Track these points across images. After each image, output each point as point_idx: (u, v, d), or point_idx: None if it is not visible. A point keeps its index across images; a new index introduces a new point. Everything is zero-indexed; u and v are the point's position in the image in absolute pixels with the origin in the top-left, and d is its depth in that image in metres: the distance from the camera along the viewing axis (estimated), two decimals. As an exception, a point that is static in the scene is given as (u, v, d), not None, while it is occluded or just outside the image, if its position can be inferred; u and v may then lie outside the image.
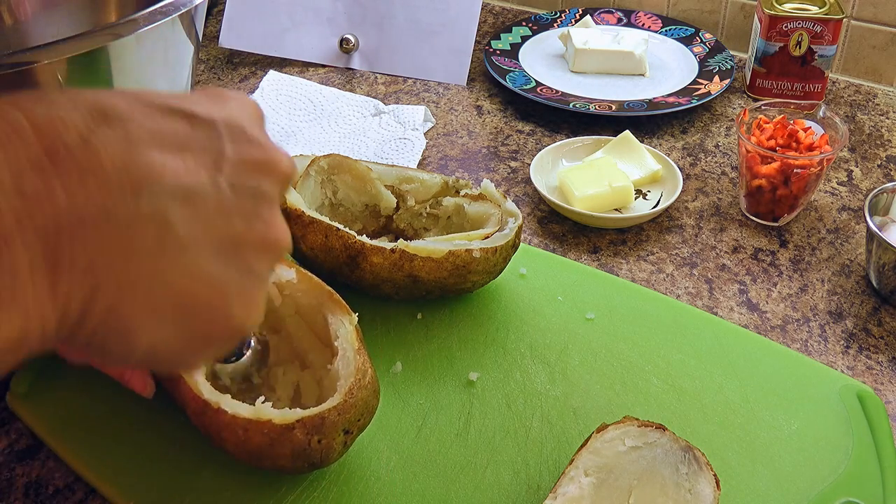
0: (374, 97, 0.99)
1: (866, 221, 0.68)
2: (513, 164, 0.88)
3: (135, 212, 0.28)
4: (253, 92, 0.97)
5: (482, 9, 1.20)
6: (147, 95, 0.31)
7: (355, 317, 0.53)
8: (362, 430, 0.50)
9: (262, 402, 0.47)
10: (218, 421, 0.47)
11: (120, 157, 0.28)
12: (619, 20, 1.12)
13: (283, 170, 0.34)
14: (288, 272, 0.55)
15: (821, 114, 0.78)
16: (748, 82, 1.00)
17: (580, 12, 1.13)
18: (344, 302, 0.53)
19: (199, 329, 0.31)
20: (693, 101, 0.94)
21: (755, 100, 0.98)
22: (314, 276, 0.55)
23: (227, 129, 0.32)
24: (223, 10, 1.06)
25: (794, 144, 0.76)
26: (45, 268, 0.27)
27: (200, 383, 0.48)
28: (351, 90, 1.01)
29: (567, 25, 1.11)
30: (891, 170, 0.87)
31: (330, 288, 0.54)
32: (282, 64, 1.05)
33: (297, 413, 0.46)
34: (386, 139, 0.90)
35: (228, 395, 0.48)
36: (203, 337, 0.32)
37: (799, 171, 0.74)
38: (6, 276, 0.26)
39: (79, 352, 0.31)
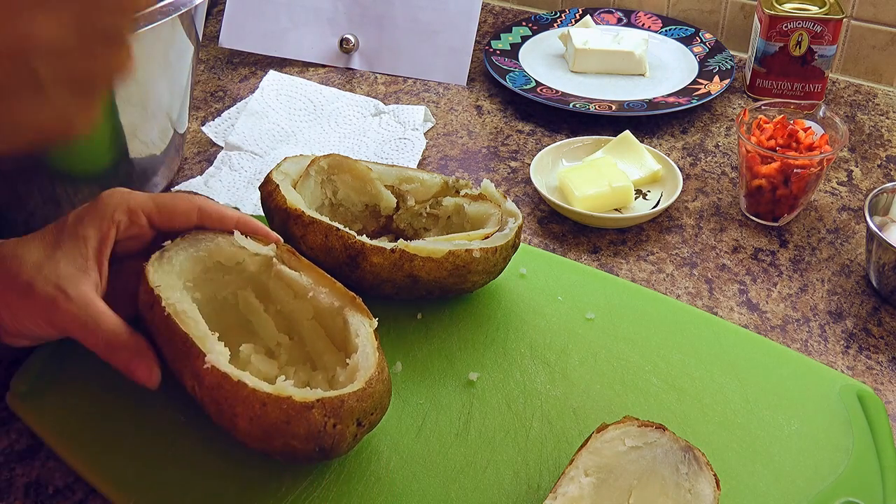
0: (374, 97, 0.99)
1: (866, 221, 0.68)
2: (513, 164, 0.88)
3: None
4: (253, 92, 0.97)
5: (482, 9, 1.20)
6: None
7: (375, 321, 0.54)
8: (372, 427, 0.51)
9: (284, 381, 0.47)
10: (235, 394, 0.47)
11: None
12: (619, 20, 1.12)
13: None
14: (299, 277, 0.56)
15: (821, 114, 0.78)
16: (748, 82, 1.00)
17: (580, 12, 1.13)
18: (366, 307, 0.54)
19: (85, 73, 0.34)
20: (693, 101, 0.94)
21: (755, 100, 0.98)
22: (337, 280, 0.56)
23: None
24: (223, 10, 1.06)
25: (794, 144, 0.76)
26: None
27: (218, 356, 0.48)
28: (351, 90, 1.01)
29: (567, 25, 1.11)
30: (891, 170, 0.87)
31: (353, 293, 0.55)
32: (282, 64, 1.05)
33: (318, 393, 0.47)
34: (386, 139, 0.90)
35: (248, 371, 0.48)
36: (89, 76, 0.34)
37: (799, 171, 0.74)
38: None
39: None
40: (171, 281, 0.54)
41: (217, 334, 0.51)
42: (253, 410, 0.46)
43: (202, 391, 0.49)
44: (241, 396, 0.47)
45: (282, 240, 0.58)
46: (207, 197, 0.71)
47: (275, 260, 0.57)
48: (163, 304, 0.52)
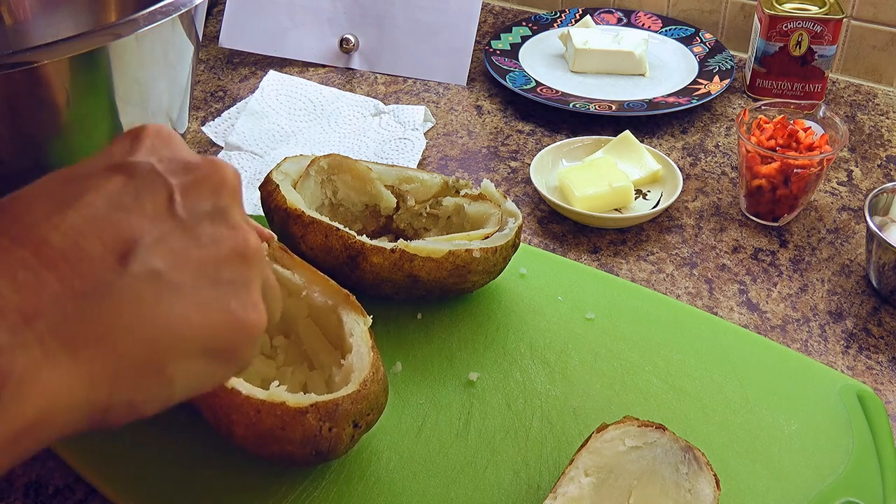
0: (374, 97, 0.99)
1: (866, 221, 0.68)
2: (513, 164, 0.88)
3: (127, 276, 0.31)
4: (253, 92, 0.97)
5: (482, 9, 1.20)
6: (73, 170, 0.33)
7: (370, 319, 0.54)
8: (369, 428, 0.51)
9: (277, 387, 0.47)
10: (230, 402, 0.47)
11: (93, 234, 0.31)
12: (619, 20, 1.12)
13: (228, 181, 0.36)
14: (294, 276, 0.56)
15: (821, 114, 0.78)
16: (748, 82, 1.00)
17: (580, 12, 1.13)
18: (360, 305, 0.54)
19: (223, 347, 0.34)
20: (693, 101, 0.94)
21: (755, 100, 0.98)
22: (330, 278, 0.56)
23: (162, 166, 0.34)
24: (223, 10, 1.06)
25: (794, 144, 0.76)
26: (59, 348, 0.29)
27: None
28: (351, 90, 1.01)
29: (567, 25, 1.11)
30: (891, 170, 0.87)
31: (346, 291, 0.55)
32: (282, 64, 1.05)
33: (312, 398, 0.47)
34: (386, 139, 0.90)
35: (242, 378, 0.48)
36: (229, 351, 0.34)
37: (799, 171, 0.74)
38: (21, 357, 0.28)
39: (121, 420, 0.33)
40: None
41: None
42: (248, 418, 0.46)
43: (198, 399, 0.49)
44: (235, 404, 0.47)
45: (275, 237, 0.58)
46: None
47: (267, 258, 0.57)
48: None
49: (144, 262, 0.31)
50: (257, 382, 0.50)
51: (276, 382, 0.48)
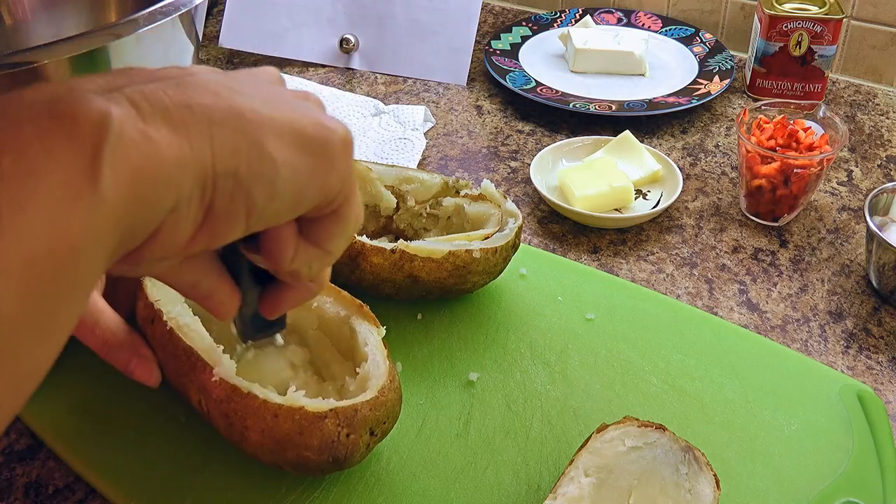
0: (374, 97, 0.99)
1: (866, 221, 0.68)
2: (513, 164, 0.88)
3: (229, 75, 0.33)
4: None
5: (482, 9, 1.20)
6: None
7: (383, 329, 0.53)
8: (384, 436, 0.50)
9: (294, 391, 0.47)
10: (246, 406, 0.46)
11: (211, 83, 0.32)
12: (619, 20, 1.12)
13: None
14: None
15: (821, 114, 0.78)
16: (748, 82, 1.00)
17: (580, 12, 1.13)
18: (373, 315, 0.54)
19: (313, 142, 0.33)
20: (693, 101, 0.94)
21: (755, 100, 0.98)
22: (342, 289, 0.55)
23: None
24: (223, 10, 1.06)
25: (794, 144, 0.76)
26: (150, 108, 0.29)
27: (226, 369, 0.48)
28: (351, 90, 1.01)
29: (567, 25, 1.11)
30: (891, 170, 0.87)
31: (359, 301, 0.54)
32: (282, 64, 1.05)
33: (331, 403, 0.46)
34: (386, 139, 0.90)
35: (257, 383, 0.48)
36: (321, 145, 0.33)
37: (799, 171, 0.74)
38: (118, 112, 0.27)
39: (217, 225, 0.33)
40: (171, 294, 0.53)
41: (222, 347, 0.50)
42: (264, 422, 0.46)
43: (210, 405, 0.48)
44: (251, 408, 0.46)
45: None
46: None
47: None
48: (164, 318, 0.51)
49: (239, 72, 0.34)
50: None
51: (293, 387, 0.47)
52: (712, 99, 0.97)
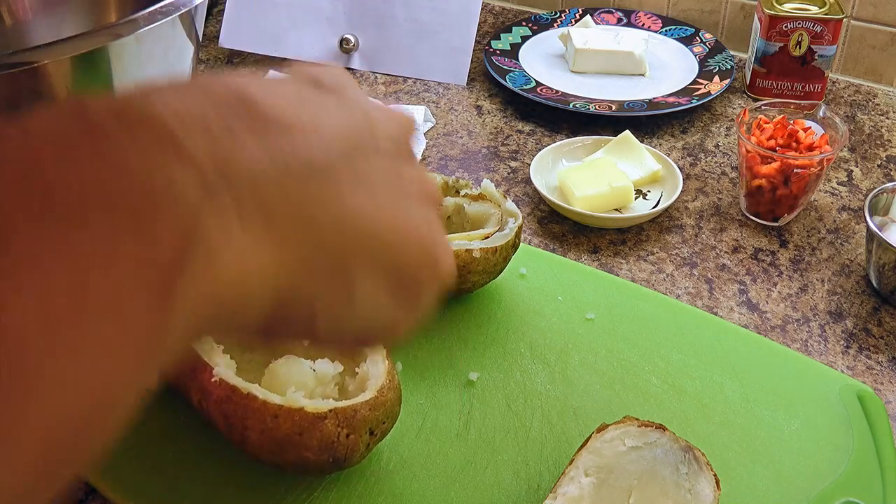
0: (374, 97, 0.99)
1: (866, 221, 0.68)
2: (513, 164, 0.88)
3: (331, 161, 0.27)
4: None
5: (482, 9, 1.20)
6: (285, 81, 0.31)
7: None
8: (384, 437, 0.50)
9: (294, 392, 0.47)
10: (245, 407, 0.46)
11: (305, 118, 0.27)
12: (619, 20, 1.12)
13: (409, 124, 0.33)
14: None
15: (821, 114, 0.78)
16: (748, 82, 1.00)
17: (580, 12, 1.13)
18: None
19: (408, 272, 0.30)
20: (693, 101, 0.94)
21: (755, 100, 0.98)
22: None
23: (351, 93, 0.31)
24: (223, 10, 1.06)
25: (794, 144, 0.76)
26: (256, 212, 0.24)
27: (226, 369, 0.48)
28: (351, 90, 1.01)
29: (567, 25, 1.11)
30: (891, 170, 0.87)
31: None
32: (282, 64, 1.05)
33: (330, 403, 0.46)
34: (386, 139, 0.90)
35: (257, 384, 0.47)
36: (413, 280, 0.30)
37: (799, 171, 0.74)
38: (214, 217, 0.23)
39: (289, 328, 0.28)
40: None
41: (222, 347, 0.50)
42: (264, 423, 0.46)
43: (210, 405, 0.48)
44: (251, 409, 0.46)
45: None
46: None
47: None
48: None
49: (343, 152, 0.27)
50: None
51: (293, 388, 0.47)
52: (712, 99, 0.97)
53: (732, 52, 1.05)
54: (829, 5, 0.94)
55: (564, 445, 0.54)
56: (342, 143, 0.28)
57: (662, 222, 0.79)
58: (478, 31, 1.09)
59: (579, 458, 0.49)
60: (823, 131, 0.77)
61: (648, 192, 0.81)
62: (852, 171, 0.87)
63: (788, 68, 0.96)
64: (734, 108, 0.98)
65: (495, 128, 0.94)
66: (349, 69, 1.06)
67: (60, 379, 0.19)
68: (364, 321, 0.29)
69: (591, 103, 0.94)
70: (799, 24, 0.93)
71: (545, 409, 0.57)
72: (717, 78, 0.98)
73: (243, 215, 0.24)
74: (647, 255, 0.75)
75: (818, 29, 0.92)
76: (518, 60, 1.04)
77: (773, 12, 0.93)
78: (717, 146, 0.91)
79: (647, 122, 0.94)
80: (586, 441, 0.50)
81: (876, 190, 0.71)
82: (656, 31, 1.09)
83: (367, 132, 0.30)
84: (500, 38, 1.08)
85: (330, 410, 0.46)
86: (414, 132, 0.33)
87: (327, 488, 0.51)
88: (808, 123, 0.78)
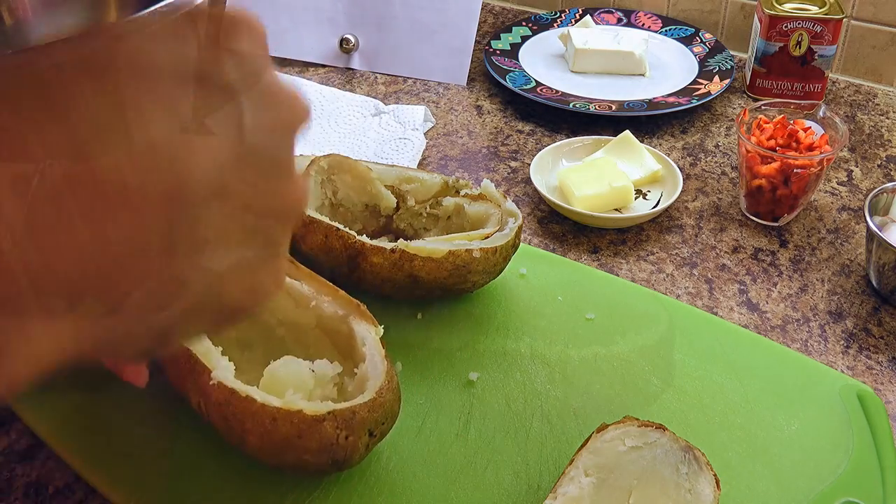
0: (374, 97, 0.99)
1: (866, 221, 0.68)
2: (513, 164, 0.88)
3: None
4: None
5: (482, 9, 1.20)
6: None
7: (381, 329, 0.53)
8: (383, 437, 0.50)
9: (293, 394, 0.47)
10: (244, 410, 0.46)
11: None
12: (619, 20, 1.12)
13: (302, 117, 0.31)
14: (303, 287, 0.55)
15: (821, 114, 0.78)
16: (748, 82, 1.00)
17: (580, 12, 1.13)
18: (371, 314, 0.54)
19: (231, 310, 0.31)
20: (693, 101, 0.94)
21: (755, 100, 0.98)
22: (340, 289, 0.55)
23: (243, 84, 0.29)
24: (223, 10, 1.06)
25: (794, 144, 0.76)
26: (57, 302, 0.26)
27: (224, 371, 0.48)
28: (351, 90, 1.01)
29: (567, 25, 1.11)
30: (891, 170, 0.87)
31: (357, 300, 0.54)
32: (282, 64, 1.05)
33: (329, 405, 0.46)
34: (386, 139, 0.90)
35: (256, 386, 0.47)
36: (233, 313, 0.31)
37: (799, 171, 0.74)
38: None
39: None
40: None
41: (221, 348, 0.50)
42: (263, 426, 0.46)
43: (210, 408, 0.48)
44: (250, 412, 0.46)
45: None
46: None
47: None
48: None
49: (188, 212, 0.27)
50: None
51: (292, 390, 0.47)
52: (712, 99, 0.97)
53: (732, 52, 1.05)
54: (829, 5, 0.94)
55: (564, 445, 0.54)
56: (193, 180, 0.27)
57: (662, 222, 0.79)
58: (478, 31, 1.09)
59: (579, 458, 0.49)
60: (823, 131, 0.77)
61: (648, 192, 0.81)
62: (852, 171, 0.87)
63: (788, 68, 0.96)
64: (734, 108, 0.98)
65: (495, 128, 0.94)
66: (349, 69, 1.06)
67: None
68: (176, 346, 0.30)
69: (591, 103, 0.94)
70: (799, 24, 0.93)
71: (545, 409, 0.57)
72: (717, 78, 0.98)
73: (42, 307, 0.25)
74: (647, 255, 0.75)
75: (818, 29, 0.93)
76: (518, 60, 1.04)
77: (773, 12, 0.93)
78: (717, 146, 0.91)
79: (647, 122, 0.94)
80: (586, 441, 0.50)
81: (876, 190, 0.71)
82: (656, 31, 1.09)
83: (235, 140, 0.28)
84: (500, 38, 1.08)
85: (329, 412, 0.46)
86: (302, 123, 0.31)
87: (327, 488, 0.51)
88: (808, 123, 0.78)
